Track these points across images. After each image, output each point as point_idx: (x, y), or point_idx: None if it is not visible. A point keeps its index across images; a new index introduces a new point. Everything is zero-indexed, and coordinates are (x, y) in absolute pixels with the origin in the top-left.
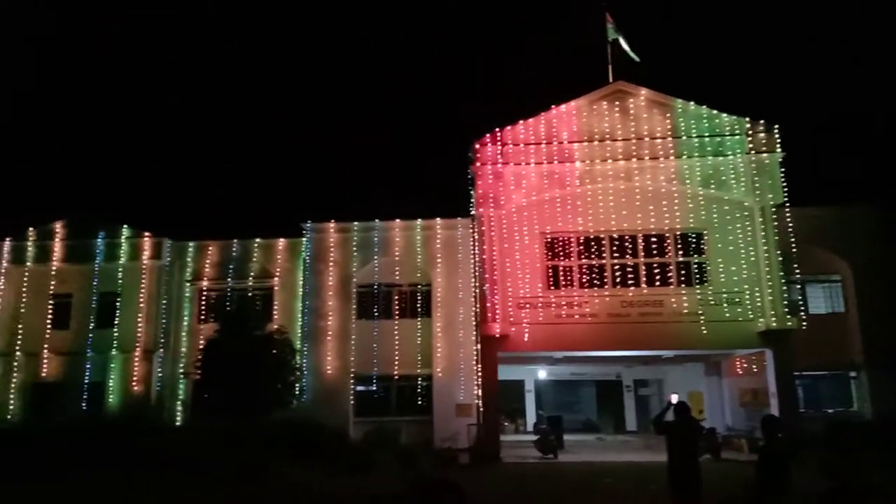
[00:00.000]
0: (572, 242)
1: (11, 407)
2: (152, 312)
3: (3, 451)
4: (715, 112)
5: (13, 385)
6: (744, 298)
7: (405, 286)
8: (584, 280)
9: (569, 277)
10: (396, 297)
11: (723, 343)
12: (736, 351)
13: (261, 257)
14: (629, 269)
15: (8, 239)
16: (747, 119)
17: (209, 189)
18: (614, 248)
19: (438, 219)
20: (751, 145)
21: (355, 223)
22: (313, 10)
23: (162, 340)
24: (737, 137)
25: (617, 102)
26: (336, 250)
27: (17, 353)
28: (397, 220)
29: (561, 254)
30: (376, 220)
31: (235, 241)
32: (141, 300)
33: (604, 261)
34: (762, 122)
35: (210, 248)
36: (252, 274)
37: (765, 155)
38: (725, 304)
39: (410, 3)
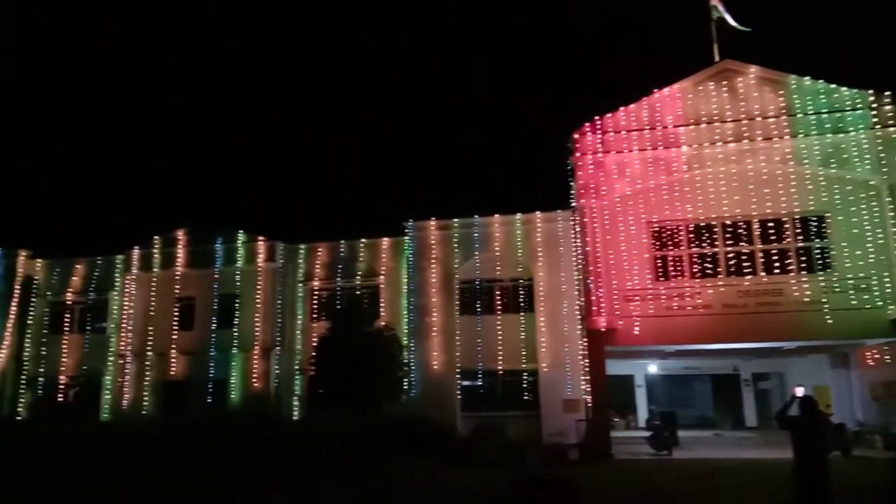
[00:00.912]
0: (681, 231)
1: (146, 403)
2: (268, 312)
3: (140, 445)
4: (833, 86)
5: (146, 383)
6: (872, 284)
7: (507, 281)
8: (696, 270)
9: (679, 267)
10: (498, 293)
11: (850, 332)
12: (865, 341)
13: (367, 257)
14: (744, 257)
15: (136, 248)
16: (871, 92)
17: (316, 193)
18: (727, 235)
19: (538, 212)
20: (875, 120)
21: (455, 220)
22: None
23: (278, 339)
24: (859, 112)
25: (724, 82)
26: (438, 247)
27: (149, 353)
28: (496, 216)
29: (669, 243)
30: (476, 217)
31: (342, 241)
32: (258, 301)
33: (716, 249)
34: (888, 93)
35: (319, 249)
36: (359, 273)
37: (892, 129)
38: (852, 291)
39: None
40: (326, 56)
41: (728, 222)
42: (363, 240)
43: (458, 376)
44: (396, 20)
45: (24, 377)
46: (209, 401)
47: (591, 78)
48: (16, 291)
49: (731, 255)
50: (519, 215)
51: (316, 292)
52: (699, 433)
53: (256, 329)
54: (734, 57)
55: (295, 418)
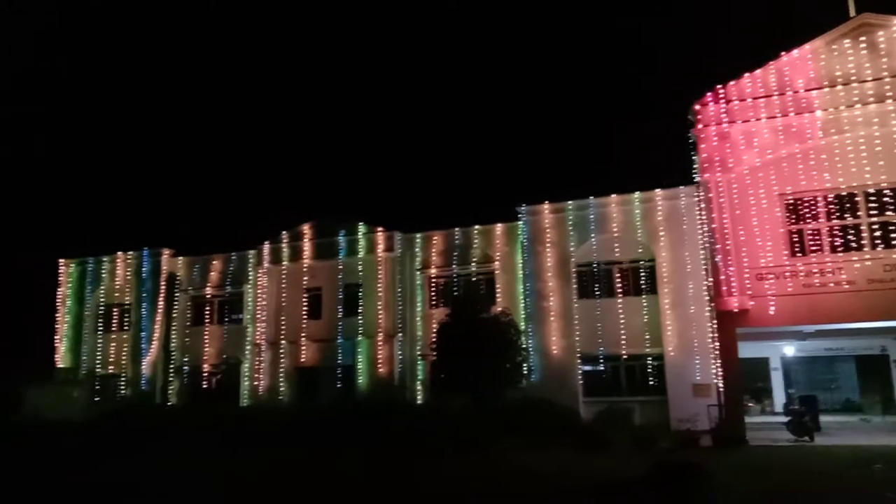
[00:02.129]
0: (819, 202)
1: (281, 389)
2: (390, 300)
3: (277, 428)
4: None
5: (280, 370)
6: None
7: (626, 263)
8: (837, 243)
9: (817, 242)
10: (618, 275)
11: None
12: None
13: (481, 243)
14: (892, 228)
15: (266, 243)
16: None
17: (430, 182)
18: (871, 204)
19: (658, 190)
20: None
21: (569, 202)
22: None
23: (400, 325)
24: None
25: (863, 38)
26: (552, 231)
27: (282, 341)
28: (613, 196)
29: (806, 216)
30: (591, 198)
31: (457, 229)
32: (379, 289)
33: (859, 220)
34: None
35: (435, 237)
36: (474, 259)
37: None
38: None
39: None
40: (431, 34)
41: (871, 191)
42: (477, 226)
43: (578, 361)
44: None
45: (172, 367)
46: (338, 385)
47: (711, 44)
48: (161, 287)
49: (875, 225)
50: (637, 194)
51: (433, 280)
52: (844, 418)
53: (379, 316)
54: (873, 9)
55: (419, 402)
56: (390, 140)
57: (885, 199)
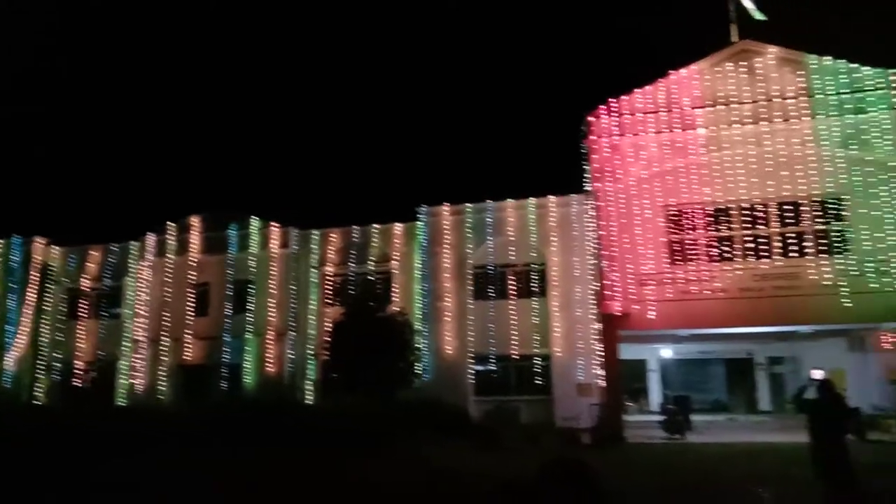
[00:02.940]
0: (698, 214)
1: (162, 388)
2: (282, 298)
3: (157, 428)
4: (854, 66)
5: (161, 369)
6: (891, 267)
7: (520, 266)
8: (713, 253)
9: (695, 251)
10: (512, 277)
11: (868, 316)
12: (883, 324)
13: (380, 242)
14: (762, 240)
15: (150, 234)
16: (892, 71)
17: (330, 179)
18: (745, 218)
19: (552, 196)
20: None
21: (468, 205)
22: None
23: (292, 324)
24: (881, 92)
25: (743, 63)
26: (451, 233)
27: (165, 338)
28: (509, 200)
29: (687, 227)
30: (489, 201)
31: (355, 227)
32: (271, 286)
33: (733, 232)
34: None
35: (332, 235)
36: (372, 258)
37: None
38: (871, 274)
39: None
40: (339, 41)
41: (745, 205)
42: (376, 225)
43: (470, 361)
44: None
45: (41, 363)
46: (223, 385)
47: (606, 59)
48: (33, 278)
49: (748, 238)
50: (532, 199)
51: (329, 278)
52: (713, 417)
53: (270, 314)
54: (753, 37)
55: (309, 403)
56: (293, 136)
57: (757, 213)
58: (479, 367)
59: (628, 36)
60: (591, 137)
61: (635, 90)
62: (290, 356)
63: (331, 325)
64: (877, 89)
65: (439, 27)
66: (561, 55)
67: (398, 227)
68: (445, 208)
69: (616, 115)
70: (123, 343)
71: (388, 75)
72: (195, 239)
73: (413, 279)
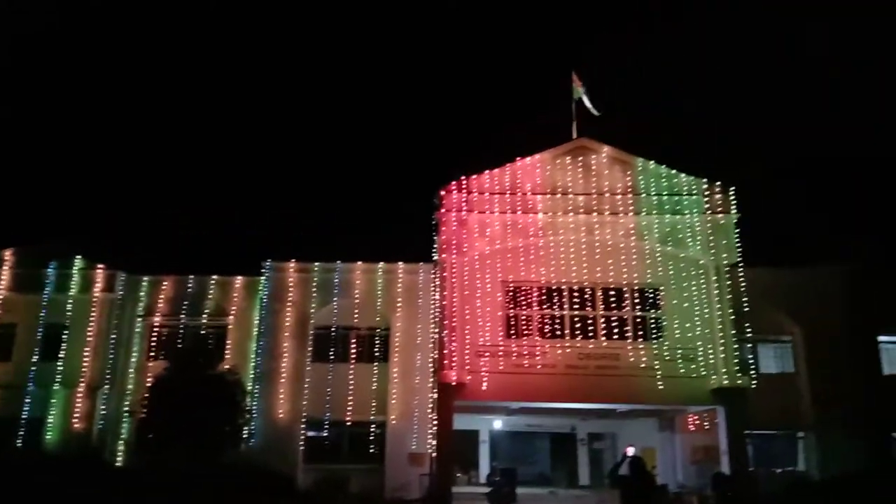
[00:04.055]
0: (533, 292)
1: None
2: (100, 347)
3: None
4: (674, 172)
5: None
6: (698, 355)
7: (363, 329)
8: (545, 330)
9: (529, 327)
10: (354, 341)
11: (677, 399)
12: (689, 407)
13: (217, 294)
14: (589, 321)
15: None
16: (704, 180)
17: (167, 222)
18: (574, 299)
19: (401, 263)
20: (707, 205)
21: (316, 263)
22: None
23: (108, 376)
24: (694, 197)
25: (580, 158)
26: (295, 290)
27: None
28: (359, 263)
29: (522, 303)
30: (338, 262)
31: (192, 276)
32: (89, 334)
33: (564, 312)
34: (718, 183)
35: (165, 283)
36: (207, 311)
37: (720, 215)
38: (680, 360)
39: (384, 50)
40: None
41: (575, 287)
42: (215, 276)
43: (303, 426)
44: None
45: None
46: (19, 441)
47: (463, 138)
48: None
49: (576, 318)
50: (381, 264)
51: (157, 328)
52: (537, 490)
53: (84, 364)
54: (590, 135)
55: (119, 464)
56: (135, 171)
57: (585, 296)
58: (312, 433)
59: (488, 118)
60: (442, 210)
61: (486, 171)
62: (103, 412)
63: (152, 380)
64: (691, 195)
65: (312, 79)
66: (424, 128)
67: (239, 280)
68: (292, 265)
69: (466, 192)
70: None
71: (255, 117)
72: (5, 274)
73: (250, 336)
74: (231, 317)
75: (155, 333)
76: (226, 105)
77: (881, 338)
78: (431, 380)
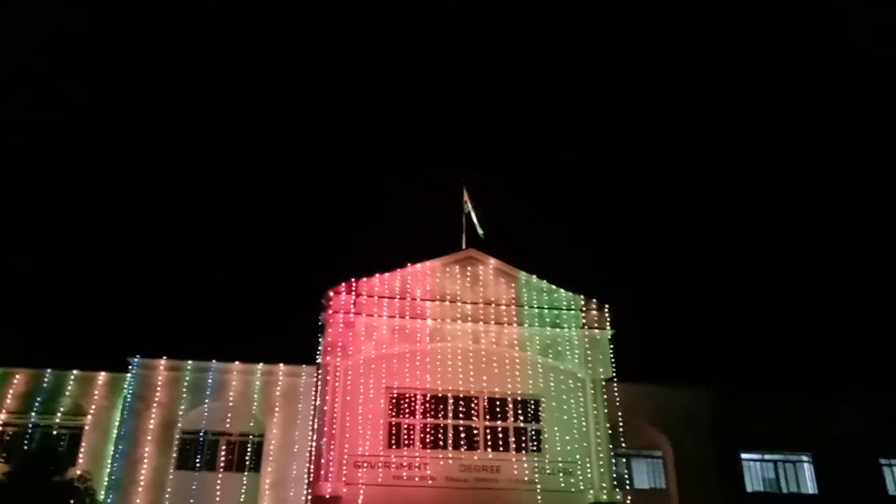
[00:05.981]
0: (417, 400)
1: None
2: None
3: None
4: (554, 287)
5: None
6: (577, 469)
7: (235, 435)
8: (427, 440)
9: (411, 437)
10: (224, 448)
11: None
12: None
13: (75, 391)
14: (474, 431)
15: None
16: (582, 296)
17: (27, 308)
18: (459, 408)
19: (282, 364)
20: (584, 321)
21: (189, 362)
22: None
23: None
24: (572, 312)
25: (468, 268)
26: (163, 390)
27: None
28: (236, 363)
29: (405, 411)
30: (213, 361)
31: (48, 370)
32: None
33: (447, 421)
34: (595, 300)
35: (17, 376)
36: (62, 409)
37: (596, 331)
38: (560, 474)
39: (282, 139)
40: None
41: (460, 396)
42: (75, 371)
43: None
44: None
45: None
46: None
47: (354, 240)
48: None
49: (460, 428)
50: (260, 365)
51: (1, 427)
52: None
53: None
54: (477, 247)
55: None
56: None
57: (471, 405)
58: None
59: (382, 222)
60: (329, 311)
61: (376, 274)
62: None
63: None
64: (570, 309)
65: (207, 164)
66: (317, 227)
67: (101, 377)
68: (162, 362)
69: (355, 294)
70: None
71: (123, 198)
72: None
73: (109, 439)
74: (89, 416)
75: None
76: (93, 175)
77: (744, 455)
78: (306, 492)
